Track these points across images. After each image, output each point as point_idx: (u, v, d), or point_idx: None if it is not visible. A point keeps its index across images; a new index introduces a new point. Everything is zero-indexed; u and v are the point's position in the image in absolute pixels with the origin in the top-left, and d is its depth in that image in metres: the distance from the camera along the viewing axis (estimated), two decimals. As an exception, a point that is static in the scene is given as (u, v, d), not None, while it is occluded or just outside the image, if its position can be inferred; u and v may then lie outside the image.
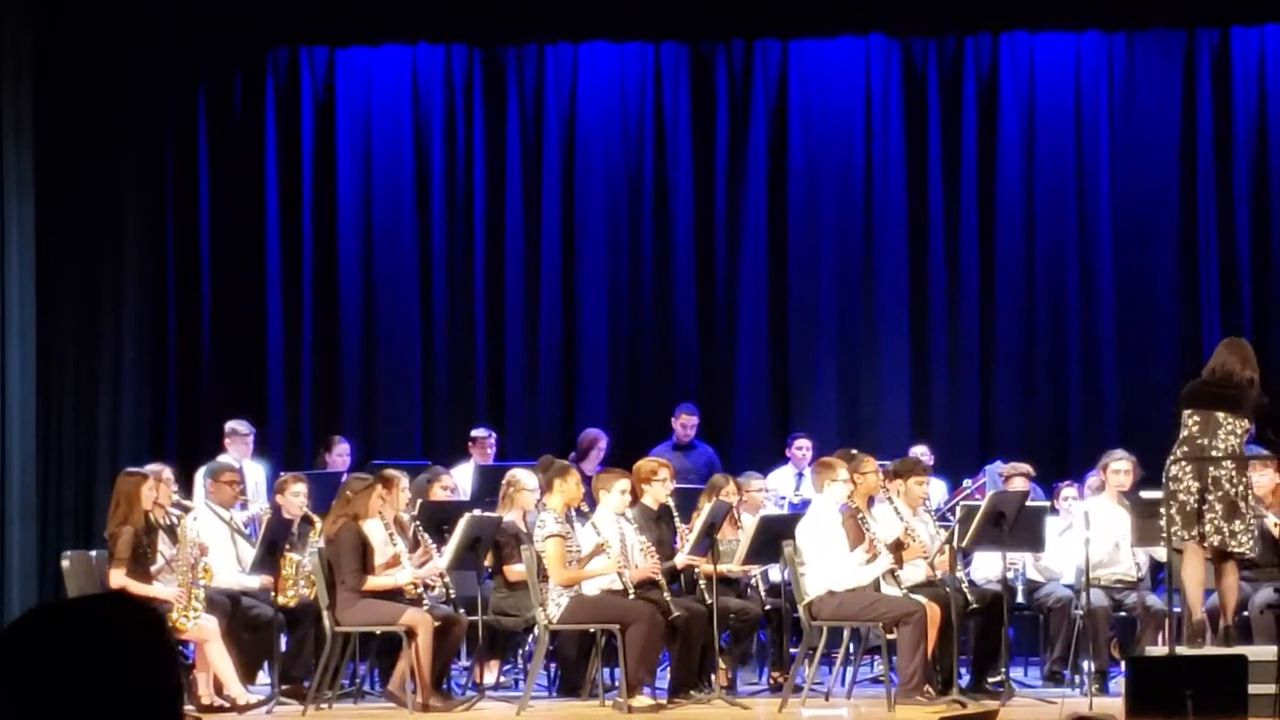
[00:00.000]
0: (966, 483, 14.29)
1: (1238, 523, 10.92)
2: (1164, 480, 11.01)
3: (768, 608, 12.86)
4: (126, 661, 2.09)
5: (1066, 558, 12.71)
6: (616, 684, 11.68)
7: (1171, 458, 11.01)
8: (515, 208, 16.58)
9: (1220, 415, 10.97)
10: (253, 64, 16.56)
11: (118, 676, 2.07)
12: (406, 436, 16.24)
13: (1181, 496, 10.90)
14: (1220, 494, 10.89)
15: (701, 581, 12.05)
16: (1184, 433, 11.05)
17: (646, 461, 12.65)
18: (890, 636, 11.57)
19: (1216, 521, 10.89)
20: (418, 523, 12.13)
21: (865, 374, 16.46)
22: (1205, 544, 10.95)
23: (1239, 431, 11.07)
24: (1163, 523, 10.99)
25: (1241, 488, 10.98)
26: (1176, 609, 11.46)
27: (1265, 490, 12.19)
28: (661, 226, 16.59)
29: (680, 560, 12.10)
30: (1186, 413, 11.05)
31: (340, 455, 14.70)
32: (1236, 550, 11.02)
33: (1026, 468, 13.61)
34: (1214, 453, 10.92)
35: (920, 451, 14.28)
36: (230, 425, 14.46)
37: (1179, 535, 10.92)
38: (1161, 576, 12.57)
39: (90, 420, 15.55)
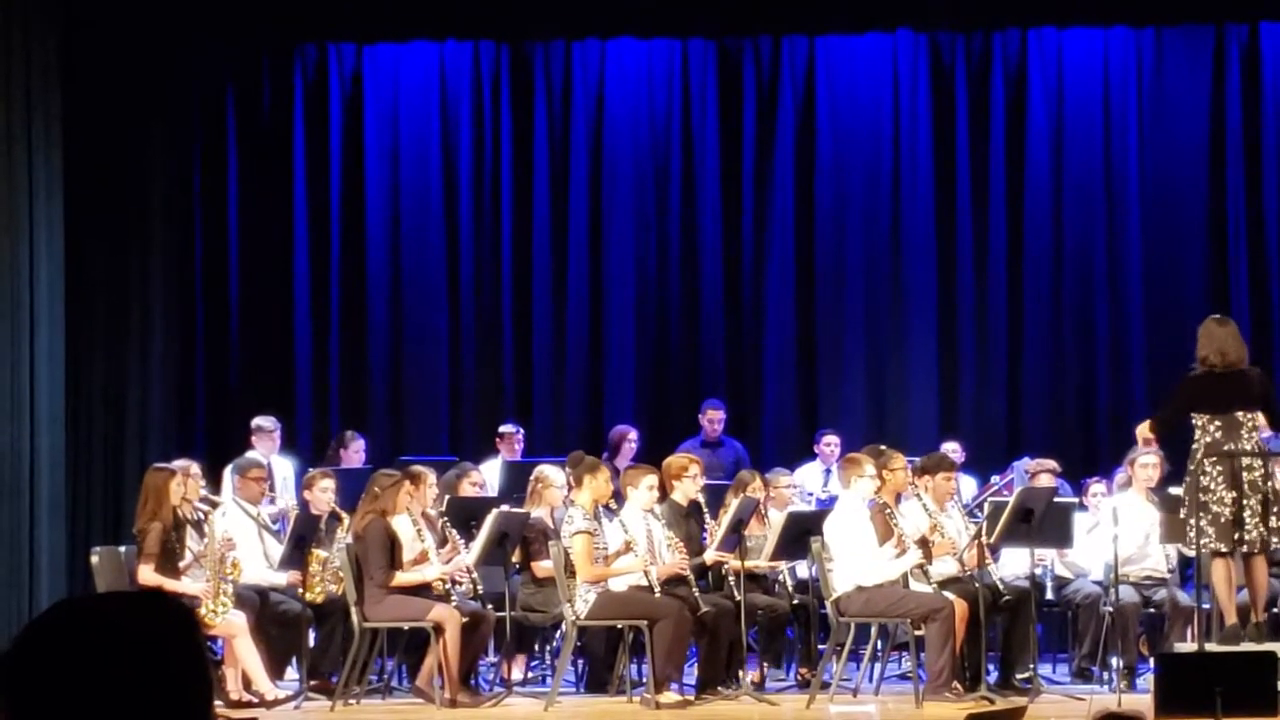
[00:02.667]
0: (995, 479, 14.27)
1: (1274, 520, 10.87)
2: (1190, 486, 10.92)
3: (795, 603, 12.85)
4: (159, 659, 2.09)
5: (1094, 554, 12.68)
6: (644, 680, 11.68)
7: (1194, 464, 10.91)
8: (543, 203, 16.59)
9: (1239, 415, 10.91)
10: (281, 61, 16.60)
11: (150, 674, 2.07)
12: (434, 432, 16.26)
13: (1215, 508, 10.80)
14: (1259, 496, 10.84)
15: (730, 577, 12.04)
16: (1206, 438, 10.91)
17: (676, 458, 12.64)
18: (918, 633, 11.56)
19: (1259, 525, 10.82)
20: (445, 518, 12.15)
21: (893, 370, 16.44)
22: (1247, 548, 10.88)
23: (1256, 425, 11.05)
24: (1189, 526, 10.92)
25: (1274, 483, 10.94)
26: (1205, 605, 11.42)
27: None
28: (689, 223, 16.59)
29: (709, 556, 12.09)
30: (1205, 418, 10.93)
31: (356, 452, 14.69)
32: (1278, 546, 11.00)
33: (1052, 464, 13.59)
34: (1242, 455, 10.85)
35: (951, 448, 14.26)
36: (256, 421, 14.49)
37: (1211, 546, 10.85)
38: (1190, 573, 12.54)
39: (119, 416, 15.58)
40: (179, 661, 2.10)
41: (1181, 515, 11.09)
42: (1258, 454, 10.89)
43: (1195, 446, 10.96)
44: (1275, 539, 10.91)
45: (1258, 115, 16.17)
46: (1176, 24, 16.31)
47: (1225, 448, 10.84)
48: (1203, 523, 10.81)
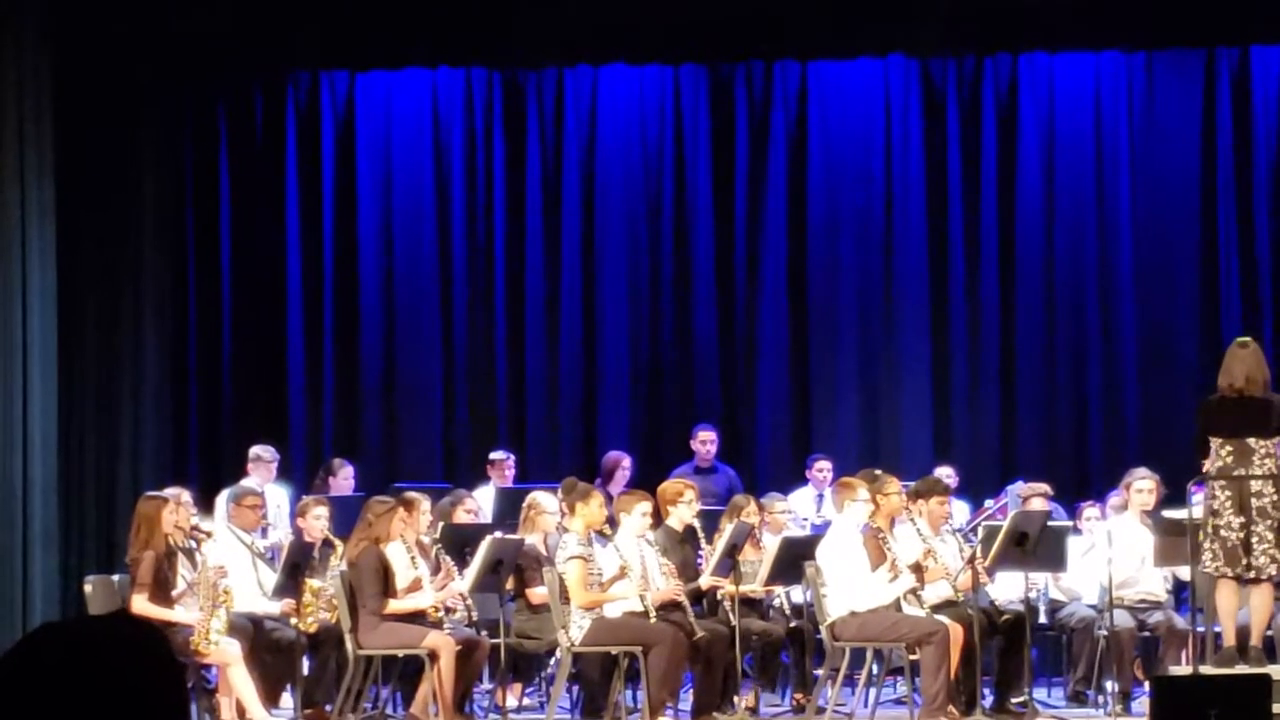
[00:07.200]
0: (988, 503, 14.25)
1: None
2: (1205, 509, 10.89)
3: (791, 628, 12.84)
4: (129, 680, 2.09)
5: (1089, 577, 12.67)
6: (639, 706, 11.67)
7: (1208, 486, 10.91)
8: (535, 230, 16.60)
9: (1252, 441, 10.89)
10: (273, 88, 16.62)
11: (120, 695, 2.07)
12: (427, 459, 16.25)
13: (1224, 533, 10.80)
14: (1269, 522, 10.82)
15: (725, 603, 12.03)
16: (1218, 462, 10.91)
17: (672, 483, 12.62)
18: (913, 657, 11.54)
19: (1270, 550, 10.81)
20: (439, 545, 12.13)
21: (886, 395, 16.44)
22: (1255, 574, 10.86)
23: (1272, 452, 11.02)
24: (1202, 550, 10.88)
25: None
26: (1200, 628, 11.41)
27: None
28: (681, 248, 16.60)
29: (704, 582, 12.07)
30: (1218, 442, 10.93)
31: (345, 479, 14.67)
32: None
33: (1044, 487, 13.57)
34: (1252, 481, 10.83)
35: (945, 473, 14.24)
36: (254, 450, 14.47)
37: (1221, 570, 10.83)
38: (1185, 595, 12.53)
39: (112, 445, 15.57)
40: (149, 682, 2.10)
41: (1202, 538, 11.06)
42: (1269, 477, 10.86)
43: (1208, 470, 10.96)
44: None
45: (1249, 138, 16.20)
46: (1167, 48, 16.34)
47: (1236, 472, 10.84)
48: (1214, 545, 10.79)
